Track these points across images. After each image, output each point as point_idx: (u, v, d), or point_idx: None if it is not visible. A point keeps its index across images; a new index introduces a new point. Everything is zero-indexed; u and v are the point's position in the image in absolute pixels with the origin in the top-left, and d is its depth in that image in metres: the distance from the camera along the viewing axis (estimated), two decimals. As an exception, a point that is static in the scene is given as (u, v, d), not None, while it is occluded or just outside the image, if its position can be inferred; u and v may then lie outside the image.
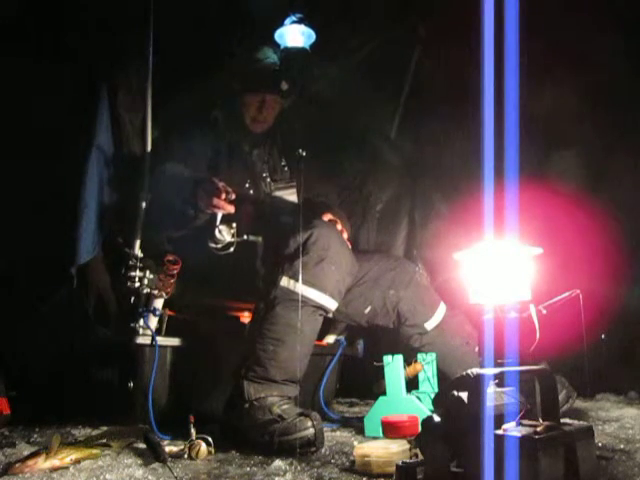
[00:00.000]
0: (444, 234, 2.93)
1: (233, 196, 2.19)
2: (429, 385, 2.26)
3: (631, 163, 3.02)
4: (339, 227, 2.35)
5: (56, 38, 2.47)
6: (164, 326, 2.29)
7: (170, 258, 2.23)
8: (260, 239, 2.35)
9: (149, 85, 2.38)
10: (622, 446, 1.78)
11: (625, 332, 2.98)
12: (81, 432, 2.12)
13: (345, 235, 2.35)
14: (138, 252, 2.28)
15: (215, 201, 2.17)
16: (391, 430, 1.92)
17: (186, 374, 2.27)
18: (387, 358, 2.19)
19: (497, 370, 1.41)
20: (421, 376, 2.28)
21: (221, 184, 2.18)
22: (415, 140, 3.27)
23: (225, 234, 2.23)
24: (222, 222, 2.23)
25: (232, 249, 2.26)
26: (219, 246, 2.25)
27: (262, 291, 2.09)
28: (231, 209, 2.20)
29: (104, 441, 1.85)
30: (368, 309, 2.44)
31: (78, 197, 2.29)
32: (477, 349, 2.30)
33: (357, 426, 2.21)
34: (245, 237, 2.30)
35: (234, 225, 2.25)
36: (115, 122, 2.45)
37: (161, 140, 2.42)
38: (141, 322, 2.22)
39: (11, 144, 2.46)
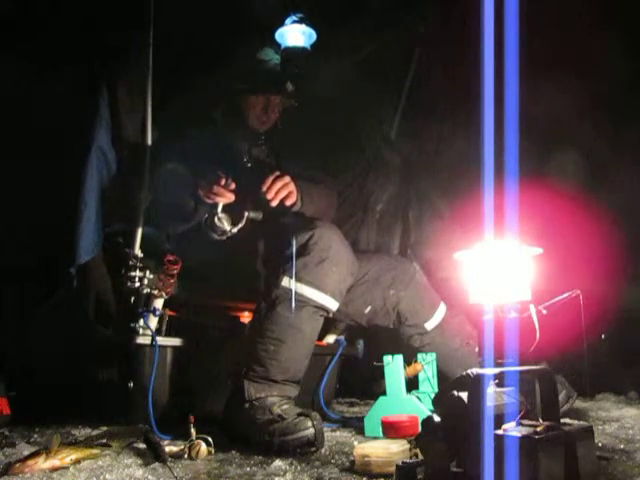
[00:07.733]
0: (442, 233, 2.93)
1: (233, 185, 2.20)
2: (429, 385, 2.26)
3: (631, 163, 3.02)
4: (290, 186, 2.28)
5: (56, 37, 2.47)
6: (164, 326, 2.29)
7: (170, 258, 2.23)
8: (260, 215, 2.31)
9: (149, 85, 2.38)
10: (622, 446, 1.78)
11: (625, 332, 2.98)
12: (81, 432, 2.12)
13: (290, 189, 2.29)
14: (138, 252, 2.28)
15: (215, 189, 2.18)
16: (391, 430, 1.92)
17: (186, 374, 2.27)
18: (387, 358, 2.19)
19: (497, 370, 1.41)
20: (421, 376, 2.28)
21: (221, 173, 2.19)
22: (415, 140, 3.27)
23: (225, 222, 2.21)
24: (223, 211, 2.21)
25: (231, 233, 2.22)
26: (218, 234, 2.22)
27: (263, 291, 2.09)
28: (231, 197, 2.21)
29: (104, 441, 1.85)
30: (368, 309, 2.44)
31: (78, 197, 2.29)
32: (477, 349, 2.31)
33: (357, 426, 2.21)
34: (246, 214, 2.26)
35: (246, 215, 2.23)
36: (115, 122, 2.45)
37: (161, 140, 2.42)
38: (141, 322, 2.21)
39: (11, 144, 2.46)
